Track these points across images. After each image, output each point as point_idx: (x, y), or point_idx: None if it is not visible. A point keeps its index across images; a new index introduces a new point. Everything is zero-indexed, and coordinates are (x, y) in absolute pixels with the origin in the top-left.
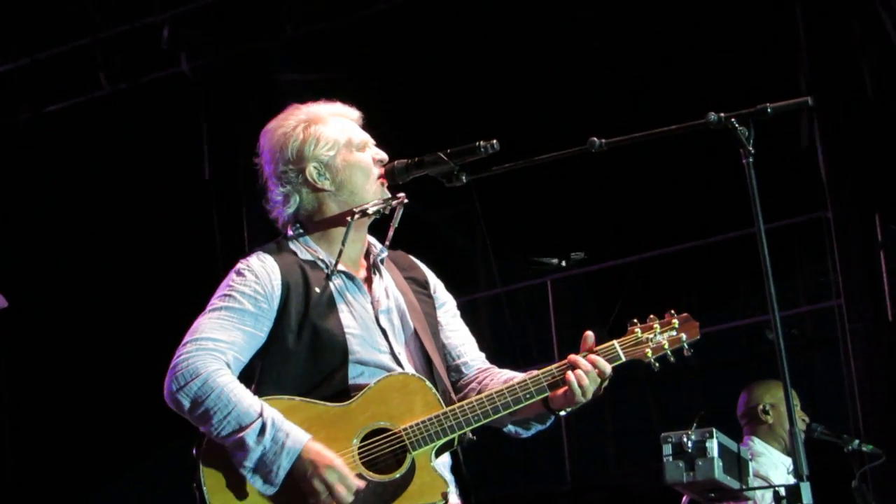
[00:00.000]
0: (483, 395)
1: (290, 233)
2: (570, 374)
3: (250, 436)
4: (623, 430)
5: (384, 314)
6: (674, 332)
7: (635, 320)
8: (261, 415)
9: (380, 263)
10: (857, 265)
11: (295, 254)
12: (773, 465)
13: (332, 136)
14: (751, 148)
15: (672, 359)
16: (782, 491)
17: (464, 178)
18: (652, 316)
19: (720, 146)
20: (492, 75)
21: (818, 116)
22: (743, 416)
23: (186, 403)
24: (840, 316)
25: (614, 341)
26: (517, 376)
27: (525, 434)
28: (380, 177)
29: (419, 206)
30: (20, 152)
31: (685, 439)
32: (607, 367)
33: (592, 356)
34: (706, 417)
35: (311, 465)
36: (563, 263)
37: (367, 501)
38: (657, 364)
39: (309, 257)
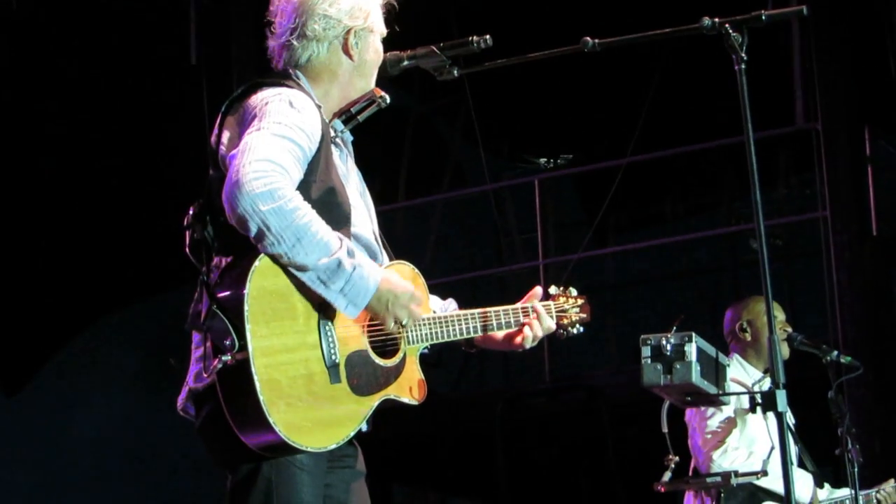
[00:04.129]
0: (474, 311)
1: (294, 76)
2: (532, 322)
3: (344, 259)
4: (604, 331)
5: (361, 192)
6: (577, 310)
7: (555, 286)
8: (341, 239)
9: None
10: (844, 178)
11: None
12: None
13: (380, 22)
14: (743, 55)
15: (574, 332)
16: (759, 398)
17: (455, 72)
18: (561, 287)
19: (713, 52)
20: None
21: (812, 26)
22: (727, 336)
23: (275, 223)
24: (825, 228)
25: (551, 302)
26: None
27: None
28: None
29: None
30: (12, 31)
31: (664, 342)
32: (552, 326)
33: (543, 311)
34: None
35: (390, 294)
36: (552, 163)
37: (366, 380)
38: (565, 333)
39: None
